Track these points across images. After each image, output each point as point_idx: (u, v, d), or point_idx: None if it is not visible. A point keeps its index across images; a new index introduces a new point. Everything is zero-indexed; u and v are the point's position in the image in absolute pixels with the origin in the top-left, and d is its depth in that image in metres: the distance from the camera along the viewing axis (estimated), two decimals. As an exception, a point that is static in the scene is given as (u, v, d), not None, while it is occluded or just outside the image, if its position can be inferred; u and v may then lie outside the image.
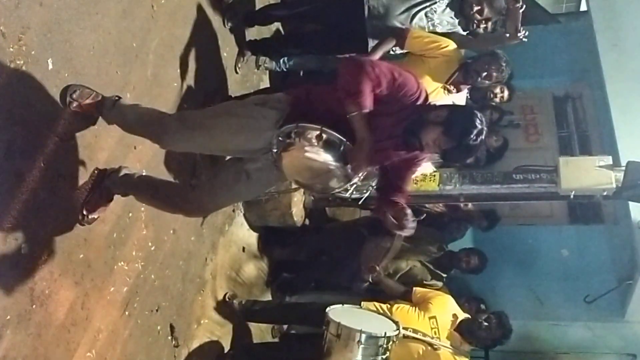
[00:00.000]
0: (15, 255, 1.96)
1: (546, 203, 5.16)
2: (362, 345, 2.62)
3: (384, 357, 2.67)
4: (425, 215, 3.38)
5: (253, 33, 3.73)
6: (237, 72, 3.61)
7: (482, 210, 4.16)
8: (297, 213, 3.89)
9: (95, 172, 2.36)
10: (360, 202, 3.52)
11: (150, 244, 2.79)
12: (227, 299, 3.56)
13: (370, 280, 3.60)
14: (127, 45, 2.52)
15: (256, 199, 3.58)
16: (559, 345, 5.13)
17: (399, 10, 3.08)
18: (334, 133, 1.97)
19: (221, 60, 3.45)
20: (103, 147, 2.41)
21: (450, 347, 3.20)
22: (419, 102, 2.08)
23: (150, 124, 2.27)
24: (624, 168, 3.24)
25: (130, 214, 2.62)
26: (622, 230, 4.86)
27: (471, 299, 4.21)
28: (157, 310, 2.86)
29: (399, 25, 3.09)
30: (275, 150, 2.06)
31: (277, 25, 3.97)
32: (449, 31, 3.17)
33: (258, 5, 3.75)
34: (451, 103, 3.18)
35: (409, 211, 2.11)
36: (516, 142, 5.46)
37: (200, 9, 3.18)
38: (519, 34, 3.03)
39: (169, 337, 2.99)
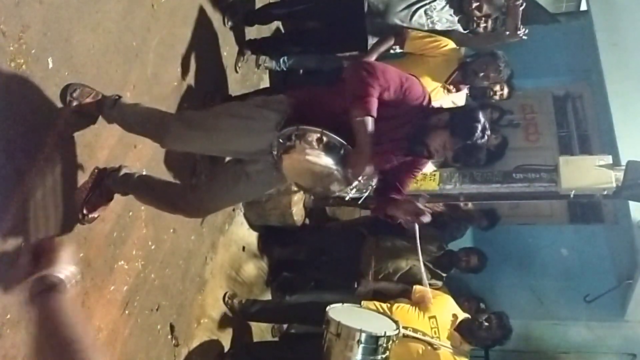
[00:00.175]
0: (15, 254, 1.95)
1: (546, 202, 5.17)
2: (362, 345, 2.62)
3: (383, 356, 2.67)
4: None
5: (253, 32, 3.73)
6: (237, 72, 3.61)
7: (482, 210, 4.16)
8: (297, 212, 3.89)
9: (96, 171, 2.36)
10: (360, 202, 3.51)
11: (150, 243, 2.79)
12: (227, 299, 3.56)
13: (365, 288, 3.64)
14: (127, 44, 2.52)
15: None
16: (558, 345, 5.12)
17: (399, 7, 3.08)
18: (335, 136, 1.95)
19: (221, 59, 3.45)
20: (103, 146, 2.41)
21: (450, 346, 3.20)
22: (422, 106, 2.08)
23: (151, 124, 2.27)
24: (624, 167, 3.25)
25: (131, 213, 2.62)
26: (622, 230, 4.86)
27: (471, 298, 4.21)
28: (157, 310, 2.86)
29: (398, 22, 3.09)
30: (275, 153, 2.05)
31: (277, 24, 3.97)
32: (449, 29, 3.17)
33: (258, 4, 3.75)
34: (451, 102, 3.18)
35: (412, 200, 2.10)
36: (516, 141, 5.47)
37: (200, 8, 3.18)
38: (518, 32, 3.03)
39: (169, 336, 2.99)
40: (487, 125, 2.01)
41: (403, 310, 3.30)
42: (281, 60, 3.72)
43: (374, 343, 2.63)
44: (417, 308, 3.33)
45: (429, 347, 3.14)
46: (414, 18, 3.09)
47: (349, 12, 3.18)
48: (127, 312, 2.61)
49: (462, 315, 3.39)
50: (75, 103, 2.16)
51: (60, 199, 2.19)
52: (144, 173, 2.51)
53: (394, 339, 2.72)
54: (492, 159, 4.34)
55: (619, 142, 4.69)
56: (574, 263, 5.20)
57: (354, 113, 1.96)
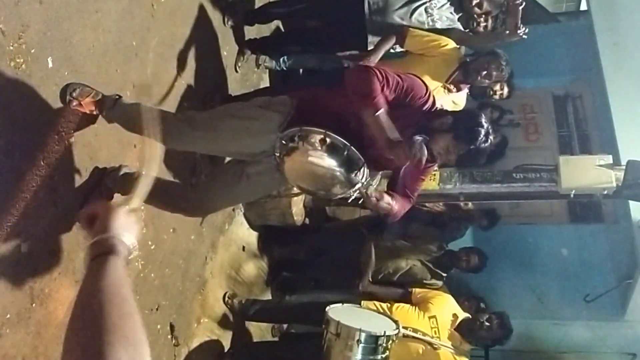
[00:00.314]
0: (15, 254, 1.95)
1: (546, 202, 5.16)
2: (362, 344, 2.62)
3: (383, 356, 2.67)
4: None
5: (253, 32, 3.73)
6: (237, 71, 3.61)
7: (482, 210, 4.16)
8: (297, 212, 3.89)
9: (95, 170, 2.36)
10: (360, 202, 3.51)
11: (150, 242, 2.78)
12: (227, 298, 3.56)
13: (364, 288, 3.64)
14: (127, 43, 2.52)
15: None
16: (558, 345, 5.13)
17: (398, 4, 3.08)
18: (338, 137, 1.93)
19: (221, 59, 3.45)
20: (103, 145, 2.41)
21: (451, 346, 3.20)
22: (427, 106, 2.06)
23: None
24: (624, 167, 3.25)
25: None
26: (622, 229, 4.86)
27: (471, 298, 4.20)
28: (157, 309, 2.86)
29: (398, 20, 3.08)
30: (278, 154, 2.02)
31: (277, 23, 3.97)
32: (449, 27, 3.17)
33: (258, 4, 3.75)
34: (452, 102, 3.18)
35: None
36: (516, 141, 5.48)
37: (200, 7, 3.18)
38: (518, 31, 3.03)
39: (169, 336, 2.98)
40: (490, 130, 2.00)
41: (403, 310, 3.30)
42: (281, 59, 3.72)
43: (373, 343, 2.64)
44: (417, 308, 3.33)
45: (429, 347, 3.14)
46: (414, 16, 3.08)
47: (349, 11, 3.18)
48: (127, 312, 2.61)
49: (463, 315, 3.39)
50: (75, 103, 2.16)
51: (60, 199, 2.18)
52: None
53: (394, 339, 2.72)
54: (492, 158, 4.34)
55: (619, 141, 4.70)
56: (574, 263, 5.21)
57: (365, 114, 1.94)
